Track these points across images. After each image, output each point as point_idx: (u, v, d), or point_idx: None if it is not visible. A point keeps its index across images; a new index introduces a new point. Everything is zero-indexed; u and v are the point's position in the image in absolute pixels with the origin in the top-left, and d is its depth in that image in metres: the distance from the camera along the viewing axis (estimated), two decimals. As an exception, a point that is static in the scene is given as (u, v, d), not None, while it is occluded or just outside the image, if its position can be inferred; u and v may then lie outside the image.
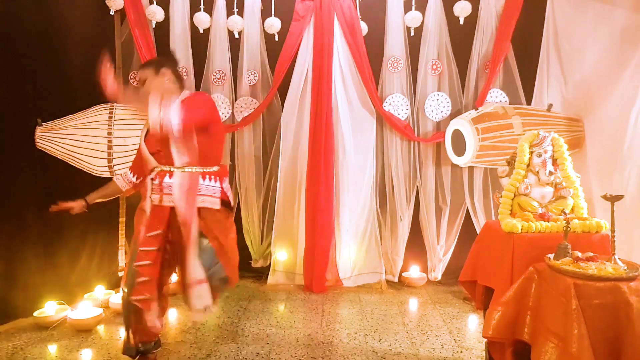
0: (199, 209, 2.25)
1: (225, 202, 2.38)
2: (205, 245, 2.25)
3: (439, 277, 3.92)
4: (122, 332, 2.90)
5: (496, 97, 3.70)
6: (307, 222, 3.78)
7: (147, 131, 2.37)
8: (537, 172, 2.33)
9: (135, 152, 2.58)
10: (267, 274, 3.89)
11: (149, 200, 2.30)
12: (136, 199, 3.83)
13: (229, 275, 2.31)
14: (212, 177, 2.33)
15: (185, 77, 3.78)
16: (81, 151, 3.28)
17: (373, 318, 3.17)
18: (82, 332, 2.90)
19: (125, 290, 2.23)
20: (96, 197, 2.56)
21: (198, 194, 2.26)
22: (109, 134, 3.29)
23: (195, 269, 2.18)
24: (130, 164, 2.64)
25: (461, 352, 2.65)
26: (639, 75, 2.80)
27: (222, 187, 2.36)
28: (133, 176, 2.54)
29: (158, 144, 2.29)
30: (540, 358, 1.75)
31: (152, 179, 2.31)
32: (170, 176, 2.26)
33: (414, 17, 3.74)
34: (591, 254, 1.90)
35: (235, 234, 2.44)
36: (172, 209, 2.24)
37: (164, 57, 2.73)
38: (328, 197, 3.73)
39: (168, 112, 2.10)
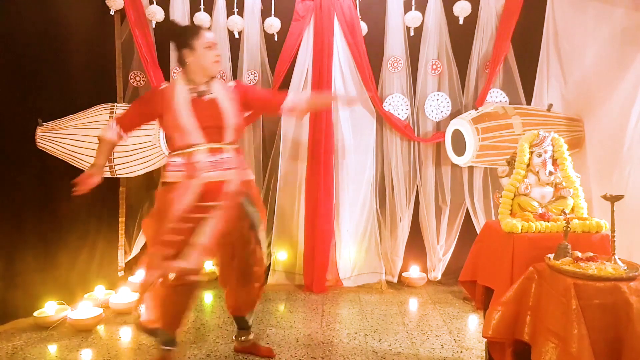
0: (246, 181, 2.38)
1: None
2: (255, 212, 2.42)
3: (439, 276, 3.92)
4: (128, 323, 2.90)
5: (496, 97, 3.70)
6: (307, 223, 3.77)
7: (192, 102, 2.29)
8: (537, 172, 2.33)
9: (134, 151, 2.57)
10: (267, 274, 3.90)
11: (202, 179, 2.23)
12: (135, 199, 3.88)
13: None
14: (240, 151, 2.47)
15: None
16: (82, 151, 3.28)
17: (373, 318, 3.17)
18: (82, 332, 2.90)
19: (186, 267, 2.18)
20: (101, 160, 2.37)
21: (245, 168, 2.42)
22: (109, 134, 3.29)
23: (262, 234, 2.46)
24: (130, 164, 2.64)
25: (461, 352, 2.65)
26: (639, 74, 2.80)
27: None
28: (121, 129, 2.35)
29: (211, 119, 2.27)
30: (540, 358, 1.75)
31: (205, 156, 2.25)
32: (222, 152, 2.30)
33: (414, 17, 3.74)
34: (591, 254, 1.90)
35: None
36: (224, 183, 2.28)
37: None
38: (328, 197, 3.73)
39: (224, 92, 2.34)
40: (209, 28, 3.79)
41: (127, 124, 2.36)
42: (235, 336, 2.64)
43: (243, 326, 2.61)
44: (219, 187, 2.26)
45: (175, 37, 2.35)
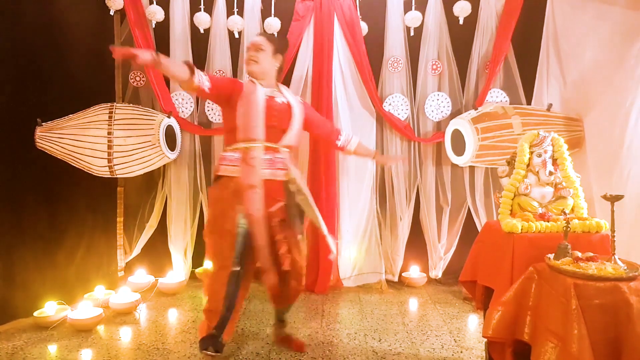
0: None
1: None
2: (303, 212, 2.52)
3: (440, 275, 3.92)
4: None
5: (496, 97, 3.70)
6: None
7: (267, 101, 2.39)
8: (537, 172, 2.33)
9: (133, 151, 2.57)
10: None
11: (259, 175, 2.28)
12: (135, 199, 3.88)
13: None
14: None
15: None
16: (81, 151, 3.28)
17: (373, 318, 3.17)
18: (82, 332, 2.90)
19: (237, 267, 2.23)
20: (165, 62, 2.08)
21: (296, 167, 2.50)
22: (109, 133, 3.29)
23: (323, 224, 2.52)
24: (129, 164, 2.64)
25: (461, 352, 2.65)
26: (638, 74, 2.80)
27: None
28: (209, 83, 2.28)
29: (276, 119, 2.39)
30: (539, 358, 1.75)
31: (263, 154, 2.33)
32: (277, 152, 2.39)
33: (414, 17, 3.74)
34: (591, 254, 1.90)
35: None
36: (284, 182, 2.40)
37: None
38: (330, 198, 3.73)
39: (297, 100, 2.56)
40: (209, 28, 3.80)
41: (215, 86, 2.33)
42: (273, 324, 2.78)
43: (279, 317, 2.74)
44: (277, 187, 2.37)
45: None
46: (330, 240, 2.59)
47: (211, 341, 2.23)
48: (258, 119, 2.31)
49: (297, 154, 2.64)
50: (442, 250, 3.92)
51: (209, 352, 2.22)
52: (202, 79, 2.26)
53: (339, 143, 2.76)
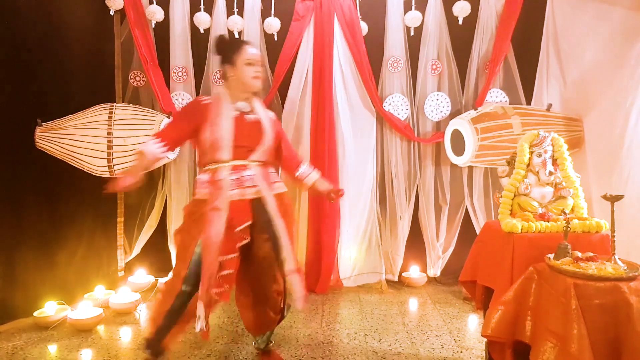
0: (277, 195, 2.33)
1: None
2: (282, 235, 2.30)
3: (438, 273, 3.93)
4: (122, 329, 2.90)
5: (496, 97, 3.71)
6: (311, 223, 3.77)
7: (235, 120, 2.25)
8: (537, 172, 2.33)
9: (133, 151, 2.50)
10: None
11: (226, 197, 2.17)
12: (135, 199, 3.88)
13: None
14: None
15: (185, 78, 3.79)
16: (81, 151, 3.28)
17: (373, 318, 3.17)
18: (82, 332, 2.90)
19: (187, 287, 2.16)
20: (139, 171, 2.18)
21: (274, 182, 2.36)
22: (109, 134, 3.29)
23: (292, 257, 2.28)
24: (129, 164, 2.60)
25: (461, 352, 2.65)
26: (638, 74, 2.80)
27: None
28: (164, 146, 2.24)
29: (246, 138, 2.26)
30: (538, 357, 1.75)
31: (229, 174, 2.20)
32: (247, 169, 2.25)
33: (414, 17, 3.74)
34: (591, 254, 1.90)
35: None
36: (253, 201, 2.24)
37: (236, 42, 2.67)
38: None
39: (267, 115, 2.39)
40: (209, 28, 3.80)
41: (172, 142, 2.27)
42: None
43: (256, 346, 2.56)
44: (245, 206, 2.22)
45: (219, 52, 2.36)
46: (294, 280, 2.30)
47: (152, 344, 2.21)
48: (225, 141, 2.21)
49: (276, 168, 2.50)
50: (440, 249, 3.92)
51: (147, 357, 2.23)
52: (155, 151, 2.19)
53: (297, 173, 2.51)
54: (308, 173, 2.52)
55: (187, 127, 2.27)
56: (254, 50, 2.33)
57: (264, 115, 2.38)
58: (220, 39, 2.42)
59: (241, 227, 2.19)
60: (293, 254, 2.31)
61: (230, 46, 2.35)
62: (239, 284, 2.38)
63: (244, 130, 2.26)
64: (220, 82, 3.46)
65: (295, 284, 2.30)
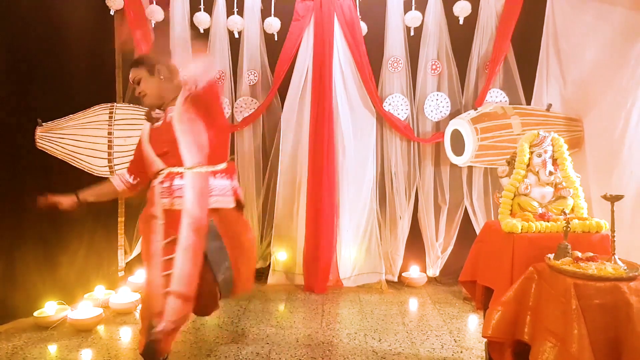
0: (213, 210, 2.18)
1: (237, 201, 2.31)
2: (219, 248, 2.17)
3: (437, 273, 3.93)
4: (121, 335, 2.90)
5: (496, 97, 3.71)
6: (309, 223, 3.77)
7: (150, 132, 2.28)
8: (537, 172, 2.33)
9: (132, 151, 2.46)
10: (267, 274, 3.90)
11: (159, 205, 2.14)
12: (135, 199, 3.87)
13: (240, 283, 2.23)
14: (222, 175, 2.25)
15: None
16: (81, 151, 3.28)
17: (373, 318, 3.17)
18: (82, 332, 2.90)
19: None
20: (89, 195, 2.34)
21: (211, 195, 2.18)
22: (109, 133, 3.29)
23: (206, 274, 2.12)
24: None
25: (461, 352, 2.65)
26: (638, 74, 2.80)
27: (232, 185, 2.29)
28: (130, 177, 2.40)
29: (165, 145, 2.17)
30: (537, 357, 1.75)
31: (160, 182, 2.16)
32: (181, 178, 2.13)
33: (413, 17, 3.74)
34: (591, 254, 1.90)
35: (253, 235, 2.36)
36: (180, 212, 2.09)
37: (157, 46, 2.66)
38: (331, 198, 3.73)
39: (175, 111, 2.16)
40: (209, 28, 3.80)
41: (134, 170, 2.39)
42: None
43: None
44: (175, 216, 2.07)
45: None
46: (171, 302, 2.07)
47: (150, 351, 2.06)
48: (150, 155, 2.23)
49: (231, 170, 2.32)
50: (439, 249, 3.92)
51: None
52: (123, 179, 2.36)
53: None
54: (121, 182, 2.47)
55: (141, 155, 2.31)
56: (133, 70, 2.33)
57: (177, 113, 2.21)
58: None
59: (169, 239, 2.07)
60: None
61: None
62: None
63: (159, 138, 2.26)
64: None
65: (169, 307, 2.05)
